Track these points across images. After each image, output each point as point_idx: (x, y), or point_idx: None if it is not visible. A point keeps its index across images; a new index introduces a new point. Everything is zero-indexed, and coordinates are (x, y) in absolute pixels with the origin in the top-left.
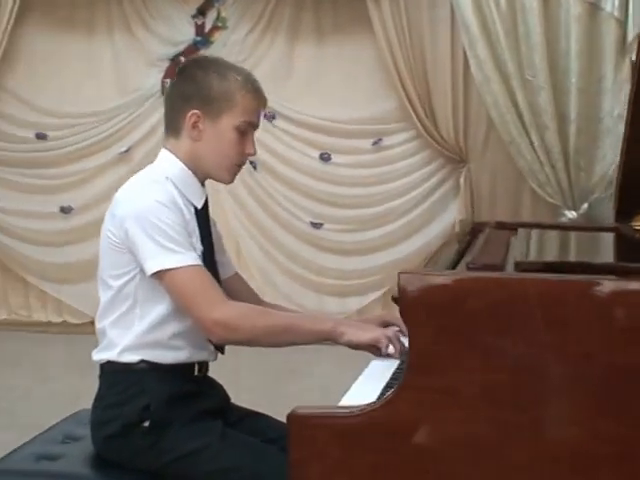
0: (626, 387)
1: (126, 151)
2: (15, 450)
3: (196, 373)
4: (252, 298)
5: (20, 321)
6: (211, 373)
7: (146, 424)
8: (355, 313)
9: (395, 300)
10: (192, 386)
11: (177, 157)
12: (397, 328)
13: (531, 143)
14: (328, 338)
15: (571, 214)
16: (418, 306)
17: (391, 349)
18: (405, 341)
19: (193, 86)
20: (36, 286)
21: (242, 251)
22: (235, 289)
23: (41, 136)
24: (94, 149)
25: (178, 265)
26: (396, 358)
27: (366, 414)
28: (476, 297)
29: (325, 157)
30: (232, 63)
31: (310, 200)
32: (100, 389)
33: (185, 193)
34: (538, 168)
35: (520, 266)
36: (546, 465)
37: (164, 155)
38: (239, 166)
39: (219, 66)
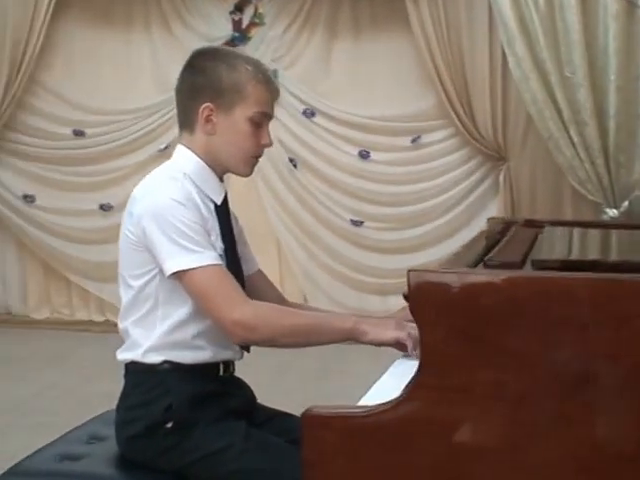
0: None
1: (165, 148)
2: (39, 450)
3: (221, 373)
4: (275, 296)
5: (63, 320)
6: (243, 372)
7: (169, 424)
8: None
9: (406, 298)
10: (216, 386)
11: (193, 152)
12: None
13: (570, 139)
14: (350, 337)
15: (612, 212)
16: (428, 304)
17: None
18: None
19: (203, 78)
20: (79, 285)
21: (283, 248)
22: (258, 286)
23: (78, 133)
24: (133, 146)
25: (197, 265)
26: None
27: (378, 414)
28: (486, 295)
29: (364, 154)
30: (241, 52)
31: (350, 198)
32: (124, 389)
33: (203, 189)
34: (578, 164)
35: (537, 264)
36: (562, 466)
37: (180, 151)
38: (256, 158)
39: (228, 56)
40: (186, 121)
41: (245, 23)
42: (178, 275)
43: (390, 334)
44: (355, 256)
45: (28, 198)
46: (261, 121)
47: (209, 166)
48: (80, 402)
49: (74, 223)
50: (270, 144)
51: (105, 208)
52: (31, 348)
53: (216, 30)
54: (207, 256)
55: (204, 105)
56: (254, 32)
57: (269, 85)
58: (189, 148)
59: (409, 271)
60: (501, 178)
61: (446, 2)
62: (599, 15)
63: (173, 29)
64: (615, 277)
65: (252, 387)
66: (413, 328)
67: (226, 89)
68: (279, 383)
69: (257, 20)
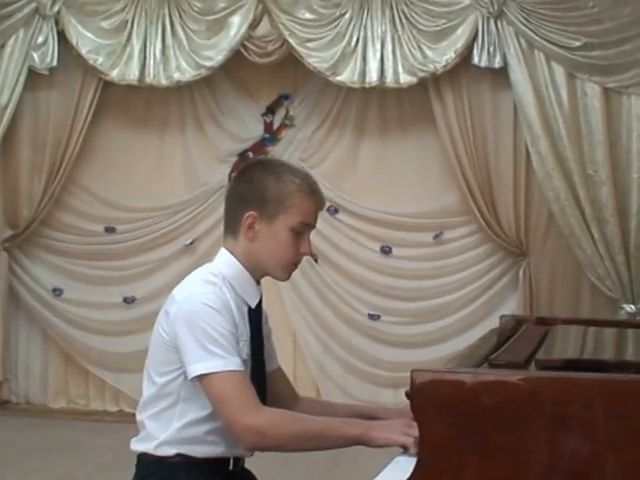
0: None
1: (190, 243)
2: None
3: (231, 467)
4: (289, 393)
5: (78, 410)
6: (251, 461)
7: None
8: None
9: (408, 396)
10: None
11: (235, 257)
12: None
13: (592, 237)
14: (359, 443)
15: (630, 307)
16: (429, 404)
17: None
18: None
19: (250, 187)
20: (96, 375)
21: (298, 341)
22: (275, 382)
23: (110, 229)
24: (160, 241)
25: (218, 370)
26: None
27: None
28: (487, 395)
29: (386, 250)
30: (293, 165)
31: (369, 292)
32: (134, 479)
33: (240, 294)
34: (598, 261)
35: (540, 364)
36: None
37: (223, 254)
38: (295, 265)
39: (277, 168)
40: (231, 226)
41: (276, 125)
42: (199, 378)
43: (397, 439)
44: (370, 350)
45: (57, 291)
46: (302, 231)
47: (248, 270)
48: None
49: (97, 315)
50: (309, 253)
51: (129, 301)
52: (46, 438)
53: (247, 131)
54: (230, 362)
55: (248, 213)
56: (284, 133)
57: (315, 197)
58: (231, 252)
59: (413, 371)
60: (520, 273)
61: (472, 102)
62: (622, 116)
63: (206, 129)
64: (612, 377)
65: (260, 476)
66: None
67: (270, 199)
68: (287, 473)
69: (288, 122)
